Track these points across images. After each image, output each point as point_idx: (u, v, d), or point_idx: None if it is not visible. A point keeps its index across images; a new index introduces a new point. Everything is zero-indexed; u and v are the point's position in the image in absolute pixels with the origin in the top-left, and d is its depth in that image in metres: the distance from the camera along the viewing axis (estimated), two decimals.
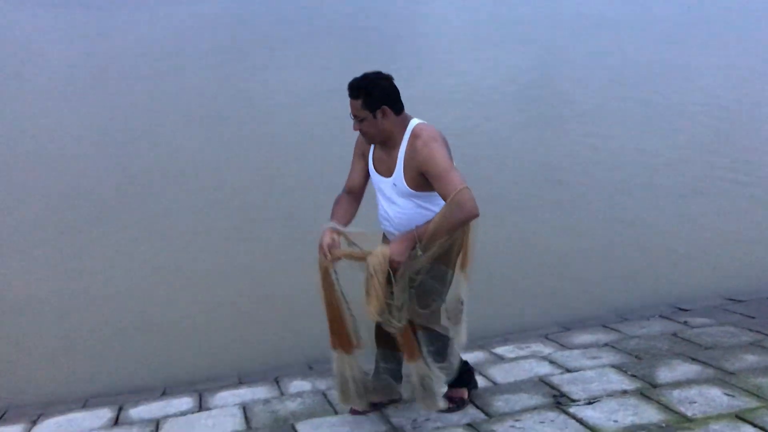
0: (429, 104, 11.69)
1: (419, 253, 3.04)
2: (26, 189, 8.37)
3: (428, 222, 3.04)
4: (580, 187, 8.43)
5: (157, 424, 3.77)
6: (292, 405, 3.88)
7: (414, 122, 3.21)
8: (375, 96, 3.09)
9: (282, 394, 4.12)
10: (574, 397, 3.65)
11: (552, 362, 4.27)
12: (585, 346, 4.56)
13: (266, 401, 3.99)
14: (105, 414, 4.02)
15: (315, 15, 21.27)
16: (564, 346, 4.62)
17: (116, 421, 3.90)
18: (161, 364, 4.97)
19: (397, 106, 3.16)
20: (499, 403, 3.65)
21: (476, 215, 3.01)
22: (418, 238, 3.03)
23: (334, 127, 9.98)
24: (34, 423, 3.97)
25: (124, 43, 17.36)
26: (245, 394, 4.16)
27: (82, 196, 8.12)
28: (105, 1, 23.39)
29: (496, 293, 5.84)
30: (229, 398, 4.10)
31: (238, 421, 3.71)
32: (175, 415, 3.89)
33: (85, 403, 4.34)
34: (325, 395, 3.99)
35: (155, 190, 8.33)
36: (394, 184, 3.21)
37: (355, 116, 3.14)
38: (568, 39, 19.34)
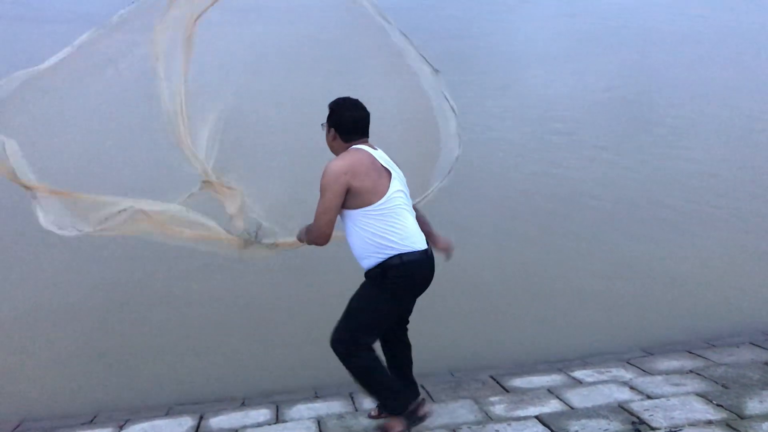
0: (512, 119, 11.59)
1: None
2: None
3: (303, 228, 3.62)
4: (667, 206, 8.15)
5: None
6: (365, 421, 3.91)
7: (351, 148, 3.48)
8: (332, 117, 3.54)
9: (356, 410, 4.16)
10: (655, 425, 3.53)
11: (633, 388, 4.14)
12: (668, 373, 4.40)
13: (340, 416, 4.04)
14: (186, 422, 4.17)
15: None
16: (646, 372, 4.47)
17: (197, 430, 4.03)
18: (241, 375, 5.10)
19: (347, 136, 3.51)
20: (575, 428, 3.57)
21: (319, 244, 3.50)
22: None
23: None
24: (121, 428, 4.16)
25: None
26: (320, 408, 4.23)
27: None
28: None
29: (576, 315, 5.73)
30: (304, 411, 4.18)
31: None
32: (253, 426, 3.99)
33: (169, 410, 4.50)
34: None
35: None
36: None
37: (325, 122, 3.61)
38: (653, 54, 18.79)
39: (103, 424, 4.27)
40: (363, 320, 3.50)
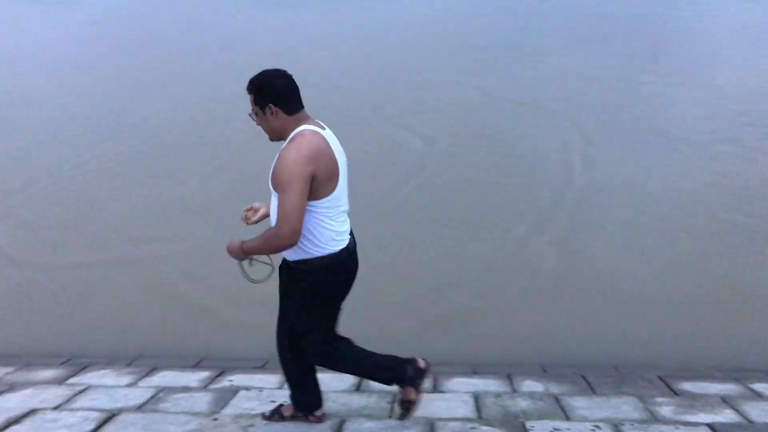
0: (690, 110, 10.83)
1: (249, 262, 3.22)
2: None
3: (254, 239, 3.09)
4: None
5: (394, 396, 3.98)
6: (523, 403, 3.88)
7: (303, 127, 3.08)
8: (265, 94, 3.07)
9: (514, 390, 4.13)
10: None
11: None
12: None
13: (497, 395, 4.03)
14: (349, 379, 4.33)
15: (577, 19, 20.63)
16: None
17: (357, 387, 4.19)
18: (399, 343, 5.21)
19: (288, 106, 3.09)
20: None
21: (292, 245, 3.02)
22: (243, 251, 3.12)
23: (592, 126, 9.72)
24: (221, 375, 4.45)
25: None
26: (478, 384, 4.24)
27: None
28: None
29: (761, 324, 5.31)
30: (462, 385, 4.21)
31: (469, 408, 3.80)
32: None
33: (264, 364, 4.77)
34: (557, 399, 3.93)
35: None
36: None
37: (252, 111, 3.16)
38: None
39: (273, 371, 4.55)
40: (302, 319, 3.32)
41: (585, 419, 3.66)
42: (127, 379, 4.39)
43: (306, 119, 3.13)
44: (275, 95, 3.06)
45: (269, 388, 4.15)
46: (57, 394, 4.08)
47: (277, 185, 2.97)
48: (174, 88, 12.55)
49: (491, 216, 7.32)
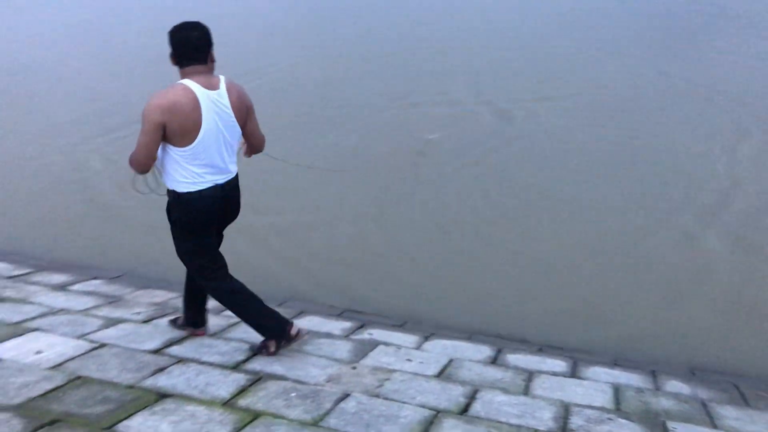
0: None
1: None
2: None
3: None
4: None
5: (529, 375, 3.95)
6: (666, 402, 3.70)
7: (181, 81, 3.33)
8: (169, 44, 3.37)
9: (657, 388, 3.95)
10: None
11: None
12: None
13: (639, 390, 3.88)
14: (485, 351, 4.35)
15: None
16: None
17: (494, 361, 4.18)
18: (541, 324, 5.15)
19: (179, 59, 3.37)
20: None
21: (141, 173, 3.42)
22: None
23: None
24: (426, 338, 4.50)
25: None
26: (619, 375, 4.10)
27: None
28: None
29: None
30: (601, 374, 4.09)
31: (607, 398, 3.68)
32: (548, 374, 4.01)
33: (470, 336, 4.74)
34: (705, 405, 3.72)
35: None
36: None
37: None
38: None
39: (411, 331, 4.65)
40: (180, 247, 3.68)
41: (734, 430, 3.44)
42: None
43: (193, 74, 3.36)
44: (172, 47, 3.38)
45: (407, 347, 4.24)
46: (215, 323, 4.39)
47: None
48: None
49: (623, 203, 7.03)
